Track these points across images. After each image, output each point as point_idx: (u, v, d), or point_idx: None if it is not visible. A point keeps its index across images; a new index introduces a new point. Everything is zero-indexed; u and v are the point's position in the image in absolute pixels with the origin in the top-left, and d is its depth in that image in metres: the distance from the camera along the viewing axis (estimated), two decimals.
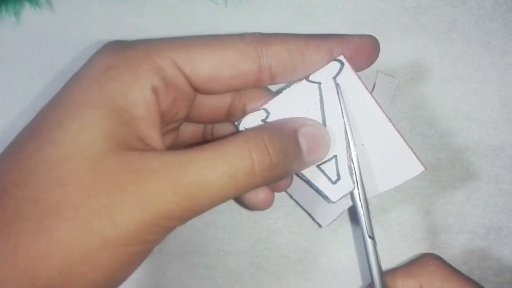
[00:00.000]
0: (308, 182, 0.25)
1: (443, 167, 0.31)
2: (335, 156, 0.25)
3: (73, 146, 0.19)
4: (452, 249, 0.30)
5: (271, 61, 0.23)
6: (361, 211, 0.25)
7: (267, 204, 0.26)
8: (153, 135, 0.21)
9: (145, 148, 0.20)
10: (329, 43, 0.24)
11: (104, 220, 0.18)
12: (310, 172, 0.25)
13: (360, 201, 0.25)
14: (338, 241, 0.31)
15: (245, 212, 0.31)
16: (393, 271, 0.28)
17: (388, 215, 0.31)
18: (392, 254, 0.31)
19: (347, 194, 0.25)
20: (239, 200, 0.28)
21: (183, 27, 0.31)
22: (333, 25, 0.31)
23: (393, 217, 0.31)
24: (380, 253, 0.30)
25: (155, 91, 0.21)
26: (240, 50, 0.22)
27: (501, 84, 0.31)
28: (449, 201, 0.30)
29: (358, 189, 0.25)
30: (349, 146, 0.25)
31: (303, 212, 0.31)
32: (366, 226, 0.25)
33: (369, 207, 0.26)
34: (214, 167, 0.19)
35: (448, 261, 0.29)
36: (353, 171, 0.25)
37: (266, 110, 0.25)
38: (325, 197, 0.25)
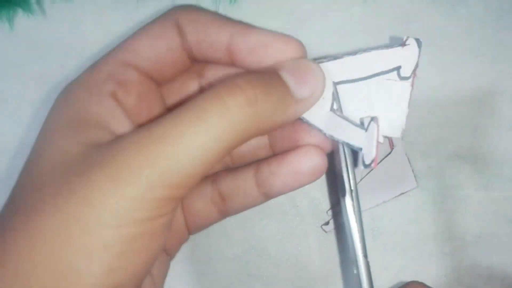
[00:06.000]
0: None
1: (433, 175, 0.31)
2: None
3: (45, 155, 0.19)
4: (442, 256, 0.30)
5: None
6: (355, 226, 0.23)
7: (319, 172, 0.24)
8: (126, 130, 0.21)
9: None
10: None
11: (81, 205, 0.17)
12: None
13: (355, 214, 0.23)
14: (328, 249, 0.31)
15: (235, 219, 0.31)
16: None
17: (377, 223, 0.31)
18: (381, 261, 0.31)
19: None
20: None
21: None
22: (325, 32, 0.31)
23: (382, 224, 0.31)
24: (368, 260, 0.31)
25: (112, 95, 0.21)
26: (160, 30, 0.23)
27: (491, 92, 0.31)
28: (438, 208, 0.30)
29: (352, 200, 0.23)
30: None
31: (295, 219, 0.31)
32: (360, 243, 0.24)
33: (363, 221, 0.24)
34: (193, 137, 0.18)
35: (437, 269, 0.29)
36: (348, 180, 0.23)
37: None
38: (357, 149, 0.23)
